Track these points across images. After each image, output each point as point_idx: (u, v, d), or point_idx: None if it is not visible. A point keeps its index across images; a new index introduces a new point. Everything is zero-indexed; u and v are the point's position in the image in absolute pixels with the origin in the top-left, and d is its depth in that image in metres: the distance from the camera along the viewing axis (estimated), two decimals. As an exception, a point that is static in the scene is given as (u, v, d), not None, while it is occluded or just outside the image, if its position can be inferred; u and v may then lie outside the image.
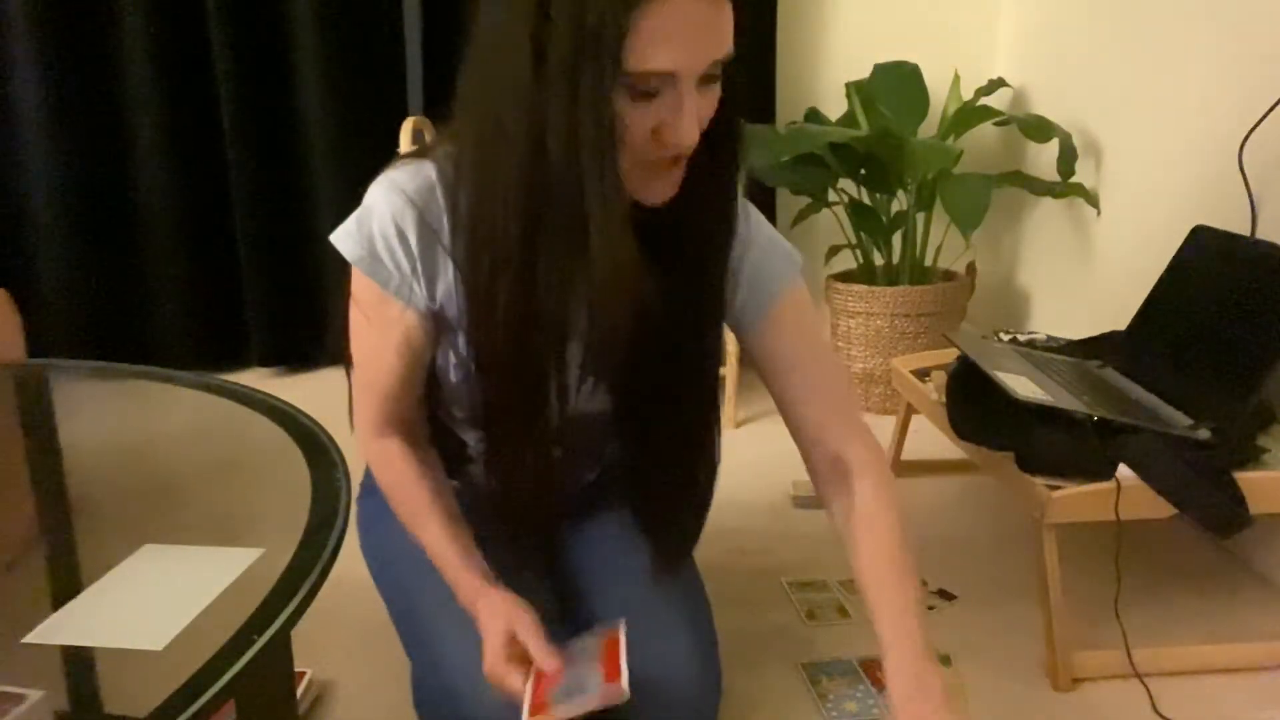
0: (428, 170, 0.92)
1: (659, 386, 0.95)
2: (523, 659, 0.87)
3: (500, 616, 0.88)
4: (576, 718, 0.79)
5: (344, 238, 0.93)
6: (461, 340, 0.95)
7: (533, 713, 0.81)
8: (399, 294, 0.93)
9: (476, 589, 0.92)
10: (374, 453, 1.01)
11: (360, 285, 0.94)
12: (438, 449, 1.06)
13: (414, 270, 0.92)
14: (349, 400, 1.02)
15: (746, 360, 1.06)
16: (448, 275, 0.93)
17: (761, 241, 1.02)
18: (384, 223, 0.91)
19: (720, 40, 0.79)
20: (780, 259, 1.03)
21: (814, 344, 1.03)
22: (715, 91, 0.83)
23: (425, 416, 1.03)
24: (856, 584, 0.95)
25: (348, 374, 1.03)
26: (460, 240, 0.88)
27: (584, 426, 1.02)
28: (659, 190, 0.84)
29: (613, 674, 0.81)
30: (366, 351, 0.98)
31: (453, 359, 0.98)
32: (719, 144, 0.86)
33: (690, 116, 0.78)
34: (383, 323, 0.94)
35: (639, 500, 1.09)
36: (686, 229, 0.90)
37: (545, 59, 0.76)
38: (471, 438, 1.06)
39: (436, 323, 0.96)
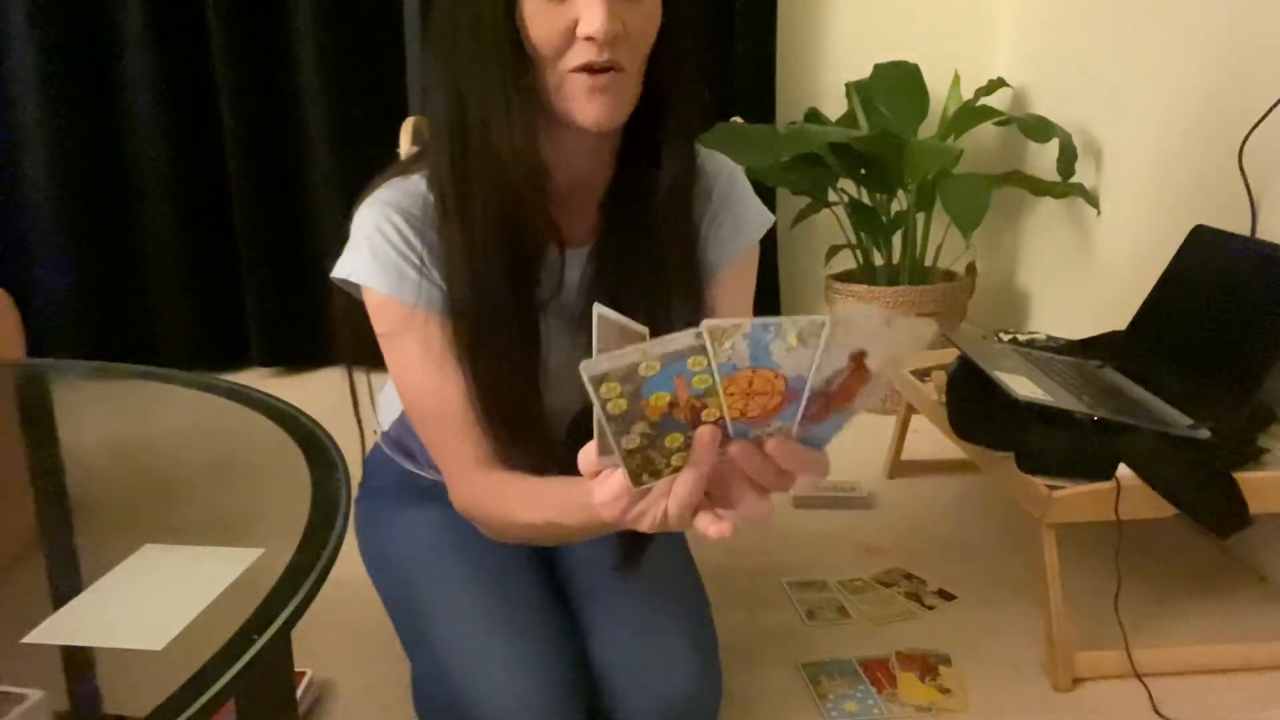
0: (417, 183, 0.91)
1: None
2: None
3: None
4: None
5: (355, 271, 0.90)
6: None
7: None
8: (424, 299, 0.89)
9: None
10: (481, 492, 0.91)
11: (385, 314, 0.90)
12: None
13: (424, 265, 0.89)
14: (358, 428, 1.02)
15: None
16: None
17: (741, 191, 1.02)
18: (390, 237, 0.89)
19: None
20: (757, 215, 1.03)
21: (746, 308, 1.04)
22: (645, 5, 0.82)
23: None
24: None
25: (355, 412, 1.03)
26: (448, 242, 0.89)
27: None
28: (590, 110, 0.82)
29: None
30: (416, 383, 0.91)
31: None
32: (664, 81, 0.86)
33: (598, 6, 0.77)
34: (421, 338, 0.90)
35: None
36: (648, 215, 0.90)
37: (455, 9, 0.81)
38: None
39: None
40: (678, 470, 0.59)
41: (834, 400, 0.56)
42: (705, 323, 0.51)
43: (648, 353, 0.51)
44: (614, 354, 0.50)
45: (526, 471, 0.89)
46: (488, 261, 0.87)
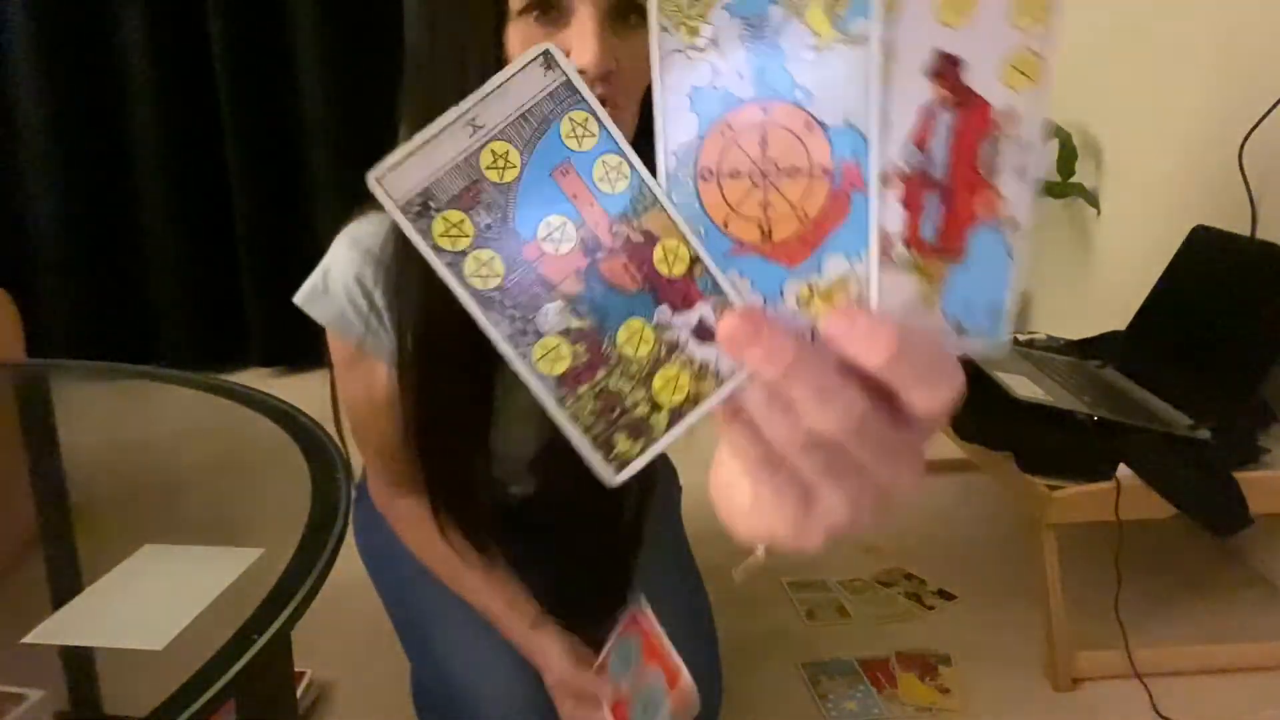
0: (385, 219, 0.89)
1: None
2: (582, 697, 0.89)
3: (548, 665, 0.91)
4: None
5: (310, 300, 0.91)
6: None
7: None
8: (374, 350, 0.89)
9: (523, 637, 0.94)
10: (393, 516, 1.00)
11: (335, 347, 0.92)
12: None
13: (380, 321, 0.88)
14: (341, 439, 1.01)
15: None
16: None
17: None
18: (346, 278, 0.88)
19: None
20: None
21: None
22: (640, 39, 0.78)
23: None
24: None
25: (337, 426, 1.02)
26: (401, 277, 0.84)
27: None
28: None
29: (672, 676, 0.81)
30: (357, 413, 0.95)
31: None
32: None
33: (586, 33, 0.72)
34: (365, 381, 0.91)
35: (577, 539, 1.04)
36: None
37: (437, 14, 0.76)
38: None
39: None
40: (677, 412, 0.32)
41: (954, 183, 0.31)
42: None
43: (471, 117, 0.30)
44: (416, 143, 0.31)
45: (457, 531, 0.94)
46: (448, 310, 0.85)
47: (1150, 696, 1.26)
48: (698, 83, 0.30)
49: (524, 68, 0.30)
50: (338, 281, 0.88)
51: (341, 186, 2.67)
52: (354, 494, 1.04)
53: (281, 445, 0.98)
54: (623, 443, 0.32)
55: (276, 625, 0.64)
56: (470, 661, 0.95)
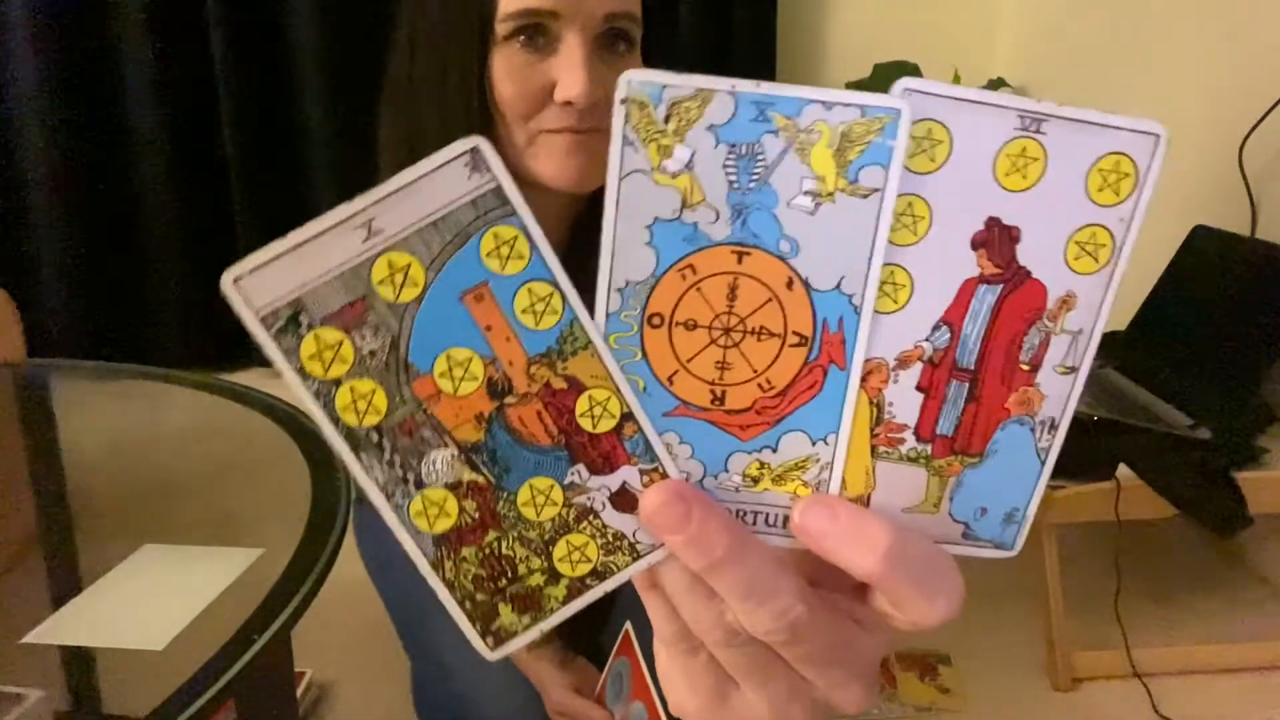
0: None
1: None
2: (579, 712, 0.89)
3: (545, 691, 0.91)
4: None
5: None
6: None
7: None
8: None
9: (524, 658, 0.94)
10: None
11: None
12: None
13: None
14: None
15: None
16: None
17: None
18: None
19: None
20: None
21: None
22: (627, 64, 0.75)
23: None
24: None
25: None
26: None
27: None
28: (569, 168, 0.76)
29: (653, 711, 0.82)
30: None
31: None
32: None
33: (575, 63, 0.71)
34: None
35: None
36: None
37: (417, 36, 0.74)
38: None
39: None
40: (578, 584, 0.28)
41: (986, 372, 0.27)
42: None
43: (367, 219, 0.25)
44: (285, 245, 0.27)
45: None
46: None
47: (1150, 696, 1.26)
48: (661, 214, 0.25)
49: (443, 165, 0.25)
50: None
51: (342, 186, 2.67)
52: (355, 494, 1.04)
53: (281, 445, 0.98)
54: (507, 615, 0.28)
55: (276, 625, 0.64)
56: (470, 661, 0.95)
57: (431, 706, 1.06)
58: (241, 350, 2.79)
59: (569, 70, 0.71)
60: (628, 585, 0.28)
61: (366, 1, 2.56)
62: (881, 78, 2.49)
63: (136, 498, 0.94)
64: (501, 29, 0.71)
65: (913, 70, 2.47)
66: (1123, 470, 1.26)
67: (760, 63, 2.63)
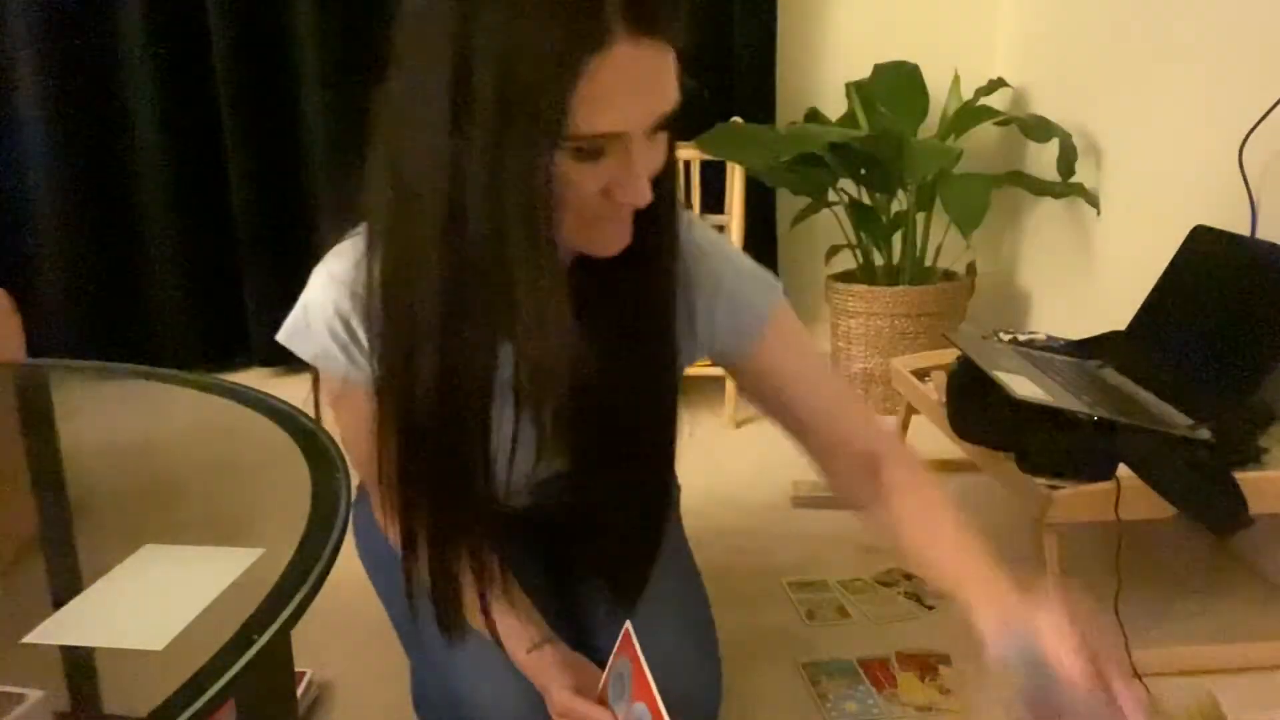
0: (360, 247, 0.84)
1: (611, 447, 0.89)
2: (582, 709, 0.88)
3: (557, 684, 0.90)
4: None
5: (292, 337, 0.90)
6: None
7: None
8: (357, 383, 0.88)
9: (524, 658, 0.93)
10: (392, 536, 0.99)
11: (322, 379, 0.92)
12: None
13: (364, 356, 0.86)
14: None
15: (745, 395, 1.02)
16: None
17: (733, 273, 0.94)
18: (327, 315, 0.86)
19: (668, 92, 0.72)
20: (758, 287, 0.96)
21: (812, 356, 0.99)
22: (663, 140, 0.76)
23: None
24: (918, 562, 0.89)
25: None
26: (375, 312, 0.81)
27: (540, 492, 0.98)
28: (612, 239, 0.77)
29: (655, 712, 0.82)
30: (349, 438, 0.95)
31: None
32: (657, 188, 0.76)
33: (642, 176, 0.72)
34: (353, 413, 0.90)
35: (591, 549, 1.02)
36: (624, 285, 0.82)
37: (466, 119, 0.68)
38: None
39: None
40: None
41: None
42: None
43: None
44: None
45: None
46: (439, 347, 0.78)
47: (1150, 697, 1.26)
48: None
49: None
50: (318, 318, 0.87)
51: (342, 188, 2.66)
52: (354, 495, 1.04)
53: (281, 445, 0.98)
54: None
55: (276, 625, 0.64)
56: (468, 660, 0.95)
57: (431, 706, 1.06)
58: (241, 350, 2.80)
59: (632, 181, 0.72)
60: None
61: (368, 3, 2.57)
62: (881, 78, 2.49)
63: (136, 498, 0.94)
64: (566, 142, 0.69)
65: (913, 70, 2.47)
66: (1123, 470, 1.26)
67: (761, 63, 2.63)
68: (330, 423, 0.98)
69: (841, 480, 0.99)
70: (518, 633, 0.94)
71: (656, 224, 0.80)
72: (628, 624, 0.89)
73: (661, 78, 0.71)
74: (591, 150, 0.70)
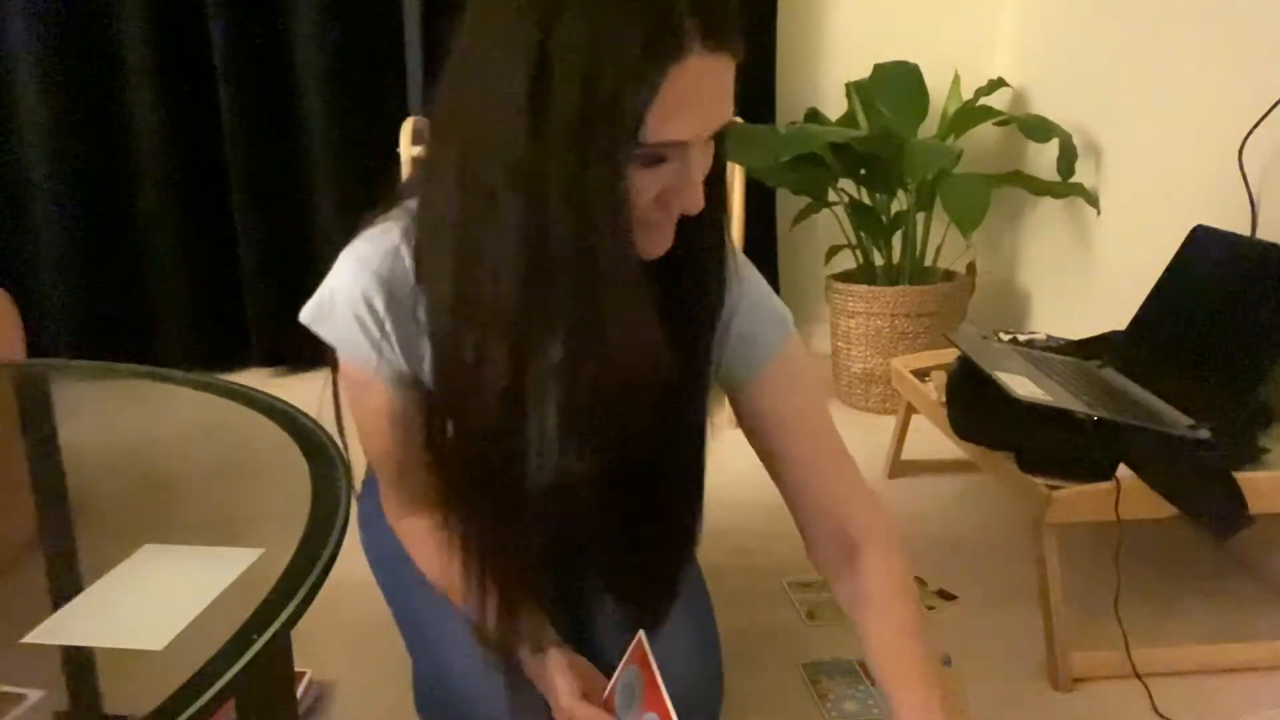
0: (393, 237, 0.85)
1: (646, 452, 0.88)
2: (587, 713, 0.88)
3: (553, 693, 0.90)
4: None
5: (316, 319, 0.88)
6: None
7: None
8: (379, 371, 0.88)
9: (529, 659, 0.92)
10: (402, 532, 1.00)
11: (344, 365, 0.91)
12: None
13: (390, 345, 0.86)
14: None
15: (744, 432, 1.00)
16: (421, 347, 0.87)
17: (753, 298, 0.95)
18: (354, 302, 0.85)
19: (730, 102, 0.75)
20: (774, 319, 0.96)
21: (811, 404, 0.97)
22: (712, 147, 0.77)
23: None
24: (870, 662, 0.93)
25: (339, 425, 1.00)
26: (439, 315, 0.81)
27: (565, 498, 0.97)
28: (657, 243, 0.78)
29: (664, 715, 0.82)
30: (366, 428, 0.94)
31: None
32: (708, 194, 0.78)
33: (699, 184, 0.74)
34: (372, 401, 0.90)
35: (622, 561, 1.00)
36: (677, 286, 0.83)
37: (546, 124, 0.68)
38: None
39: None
40: None
41: None
42: None
43: None
44: None
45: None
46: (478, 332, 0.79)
47: (1150, 696, 1.26)
48: None
49: None
50: (344, 303, 0.86)
51: (342, 186, 2.67)
52: (359, 490, 1.03)
53: (281, 445, 0.98)
54: None
55: (276, 625, 0.64)
56: (470, 659, 0.95)
57: (431, 704, 1.06)
58: (241, 350, 2.80)
59: (689, 188, 0.74)
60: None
61: (368, 3, 2.57)
62: (881, 78, 2.49)
63: (136, 498, 0.94)
64: (638, 150, 0.71)
65: (913, 70, 2.47)
66: (1123, 470, 1.26)
67: (761, 63, 2.63)
68: (347, 412, 0.97)
69: (816, 551, 0.99)
70: (524, 634, 0.93)
71: (710, 227, 0.82)
72: (640, 634, 0.89)
73: (726, 89, 0.73)
74: (655, 157, 0.72)
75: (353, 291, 0.85)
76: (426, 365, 0.87)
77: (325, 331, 0.88)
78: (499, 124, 0.70)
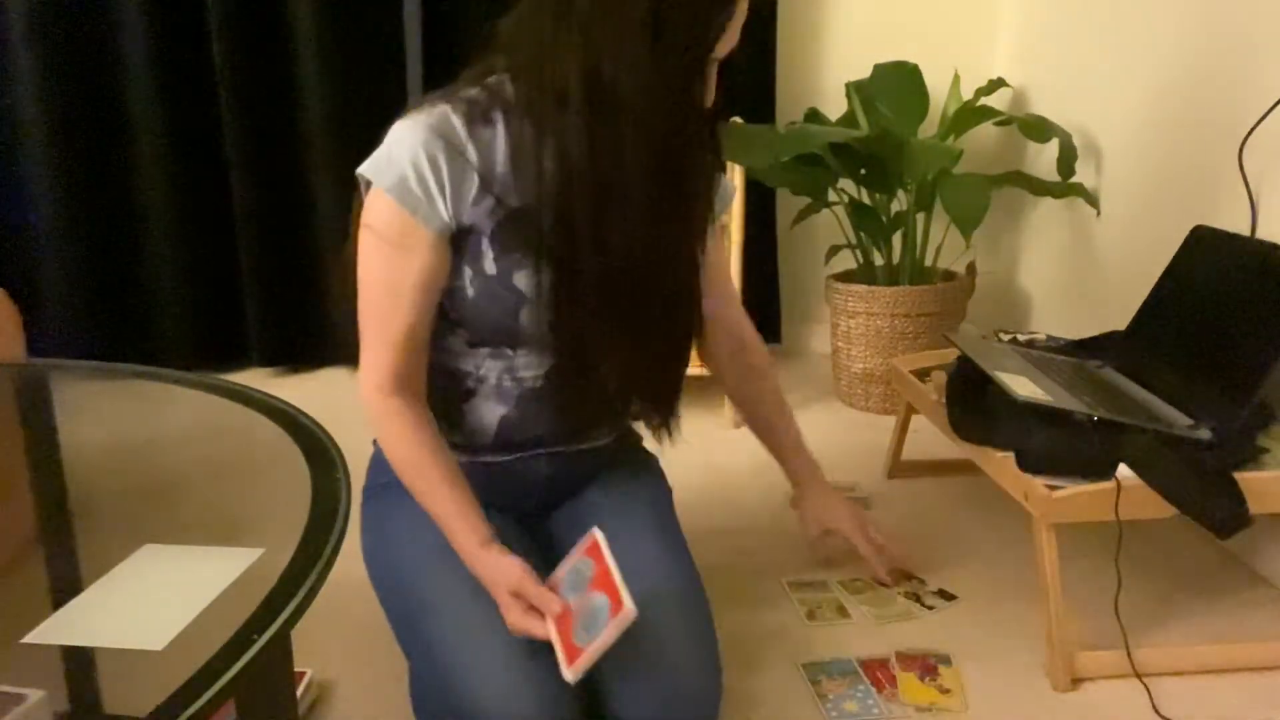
0: (443, 109, 0.98)
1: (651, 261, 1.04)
2: (529, 609, 0.94)
3: (502, 575, 0.96)
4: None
5: (375, 169, 0.98)
6: (489, 254, 1.01)
7: (569, 662, 0.88)
8: (427, 220, 0.97)
9: (474, 553, 0.98)
10: (377, 410, 1.03)
11: (384, 217, 0.98)
12: (437, 392, 1.09)
13: (444, 194, 0.97)
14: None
15: None
16: (469, 196, 0.99)
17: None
18: (415, 152, 0.96)
19: None
20: (725, 188, 1.21)
21: (724, 253, 1.31)
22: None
23: (425, 368, 1.06)
24: (749, 422, 1.43)
25: (342, 301, 1.07)
26: (559, 181, 0.96)
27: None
28: (709, 95, 0.99)
29: (615, 599, 0.87)
30: (375, 297, 1.01)
31: (468, 274, 1.02)
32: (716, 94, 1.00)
33: (713, 86, 0.96)
34: (405, 253, 0.98)
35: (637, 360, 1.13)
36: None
37: (662, 36, 0.89)
38: (473, 363, 1.09)
39: (457, 247, 1.01)
40: None
41: None
42: None
43: None
44: None
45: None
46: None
47: (1150, 696, 1.26)
48: None
49: None
50: (404, 153, 0.96)
51: (342, 185, 2.67)
52: (356, 494, 1.04)
53: (281, 445, 0.98)
54: None
55: (276, 625, 0.64)
56: (467, 660, 0.95)
57: (429, 705, 1.06)
58: (241, 350, 2.80)
59: (712, 91, 0.98)
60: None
61: (370, 2, 2.57)
62: (881, 78, 2.49)
63: (136, 498, 0.94)
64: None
65: (913, 70, 2.47)
66: (1123, 470, 1.26)
67: (761, 63, 2.63)
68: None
69: (713, 346, 1.35)
70: (473, 526, 0.99)
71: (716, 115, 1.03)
72: (595, 530, 0.97)
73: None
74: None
75: (415, 144, 0.96)
76: (468, 212, 1.00)
77: (381, 179, 0.97)
78: (624, 32, 0.89)
